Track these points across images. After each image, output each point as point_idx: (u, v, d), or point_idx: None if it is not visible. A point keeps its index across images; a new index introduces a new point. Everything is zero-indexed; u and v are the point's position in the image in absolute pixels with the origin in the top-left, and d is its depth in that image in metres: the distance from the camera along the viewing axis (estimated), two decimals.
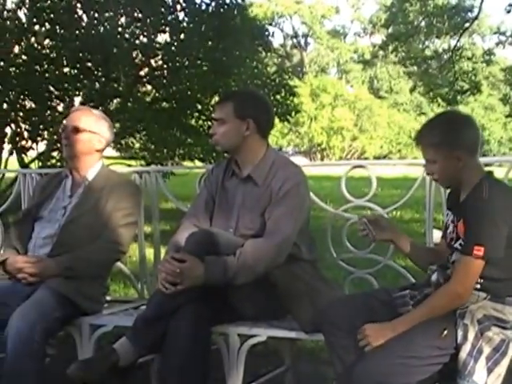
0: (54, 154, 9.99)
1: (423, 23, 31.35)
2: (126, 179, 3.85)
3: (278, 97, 11.23)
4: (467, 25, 27.72)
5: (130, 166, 9.21)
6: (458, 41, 26.69)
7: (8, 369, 3.03)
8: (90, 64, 9.72)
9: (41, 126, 9.80)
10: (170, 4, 10.49)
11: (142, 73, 10.65)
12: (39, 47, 9.74)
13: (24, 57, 9.66)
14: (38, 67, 9.59)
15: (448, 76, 26.75)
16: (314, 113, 42.96)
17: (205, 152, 10.22)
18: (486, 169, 2.83)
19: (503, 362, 2.54)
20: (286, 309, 3.12)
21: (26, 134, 9.91)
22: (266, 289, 3.03)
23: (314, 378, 3.98)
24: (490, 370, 2.52)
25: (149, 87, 11.29)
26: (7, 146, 10.41)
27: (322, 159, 43.41)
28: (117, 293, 5.46)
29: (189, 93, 10.27)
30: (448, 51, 29.10)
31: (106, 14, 10.01)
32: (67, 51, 9.35)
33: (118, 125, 9.71)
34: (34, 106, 9.88)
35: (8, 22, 9.80)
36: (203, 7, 10.80)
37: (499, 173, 3.03)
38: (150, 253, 4.19)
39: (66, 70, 9.86)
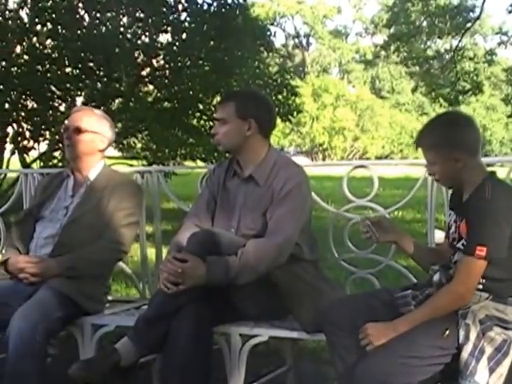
0: (56, 153, 10.00)
1: (425, 23, 31.29)
2: (127, 179, 3.84)
3: (280, 97, 11.24)
4: (469, 25, 27.70)
5: (131, 165, 9.21)
6: (460, 41, 26.66)
7: (10, 369, 3.03)
8: (91, 64, 9.73)
9: (43, 126, 9.82)
10: (172, 4, 10.50)
11: (143, 73, 10.66)
12: (41, 47, 9.76)
13: (26, 57, 9.68)
14: (39, 67, 9.60)
15: (450, 76, 26.72)
16: (315, 113, 43.01)
17: (206, 152, 10.22)
18: (489, 169, 2.82)
19: (505, 362, 2.54)
20: (287, 309, 3.12)
21: (27, 134, 9.92)
22: (268, 289, 3.03)
23: (316, 378, 3.98)
24: (491, 370, 2.52)
25: (151, 87, 11.30)
26: (9, 146, 10.42)
27: (323, 159, 43.45)
28: (118, 293, 5.46)
29: (191, 93, 10.28)
30: (450, 51, 29.11)
31: (108, 14, 10.03)
32: (69, 51, 9.37)
33: (119, 125, 9.73)
34: (35, 105, 9.90)
35: (10, 22, 9.81)
36: (205, 7, 10.82)
37: (501, 173, 3.02)
38: (151, 253, 4.18)
39: (68, 69, 9.87)
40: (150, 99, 10.93)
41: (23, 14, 10.06)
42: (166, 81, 10.72)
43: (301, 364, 3.91)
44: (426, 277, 2.96)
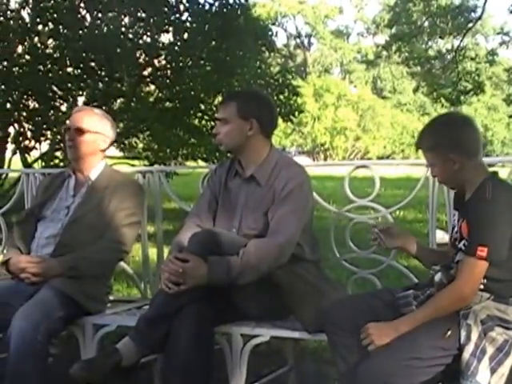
0: (58, 153, 10.01)
1: (426, 23, 31.27)
2: (129, 179, 3.84)
3: (282, 97, 11.24)
4: (470, 25, 27.66)
5: (133, 165, 9.23)
6: (462, 41, 26.62)
7: (11, 369, 3.03)
8: (93, 64, 9.74)
9: (44, 126, 9.82)
10: (174, 4, 10.49)
11: (145, 73, 10.67)
12: (42, 47, 9.77)
13: (27, 57, 9.68)
14: (41, 67, 9.61)
15: (451, 76, 26.68)
16: (317, 113, 43.02)
17: (208, 152, 10.22)
18: (491, 169, 2.82)
19: (506, 362, 2.54)
20: (289, 309, 3.12)
21: (29, 134, 9.93)
22: (269, 289, 3.03)
23: (317, 378, 3.99)
24: (493, 370, 2.52)
25: (152, 87, 11.30)
26: (10, 146, 10.43)
27: (325, 159, 43.47)
28: (120, 292, 5.46)
29: (192, 93, 10.27)
30: (451, 51, 29.03)
31: (110, 14, 10.04)
32: (70, 51, 9.37)
33: (121, 125, 9.73)
34: (37, 105, 9.90)
35: (11, 22, 9.81)
36: (206, 7, 10.83)
37: (502, 173, 3.02)
38: (153, 253, 4.18)
39: (70, 69, 9.88)
40: (151, 99, 10.93)
41: (25, 13, 10.07)
42: (168, 81, 10.73)
43: (302, 364, 3.91)
44: (427, 277, 2.96)
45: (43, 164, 10.04)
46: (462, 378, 2.52)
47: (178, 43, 10.39)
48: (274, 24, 49.81)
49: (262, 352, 3.67)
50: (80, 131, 3.58)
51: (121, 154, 11.82)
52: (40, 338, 3.06)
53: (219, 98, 10.26)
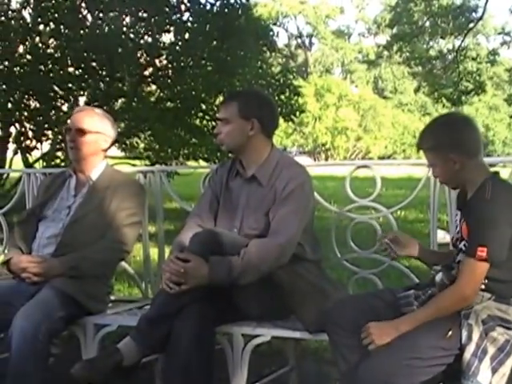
0: (59, 153, 10.03)
1: (428, 23, 31.30)
2: (130, 179, 3.84)
3: (283, 97, 11.25)
4: (472, 25, 27.68)
5: (134, 165, 9.23)
6: (463, 41, 26.63)
7: (12, 368, 3.03)
8: (94, 64, 9.75)
9: (45, 126, 9.84)
10: (175, 4, 10.51)
11: (146, 72, 10.68)
12: (44, 47, 9.78)
13: (28, 56, 9.70)
14: (42, 67, 9.63)
15: (452, 76, 26.69)
16: (318, 113, 42.97)
17: (209, 152, 10.24)
18: (492, 169, 2.82)
19: (508, 362, 2.54)
20: (290, 309, 3.12)
21: (30, 134, 9.95)
22: (271, 289, 3.03)
23: (318, 378, 3.98)
24: (494, 370, 2.51)
25: (153, 87, 11.32)
26: (12, 146, 10.44)
27: (326, 159, 43.42)
28: (121, 292, 5.47)
29: (193, 93, 10.29)
30: (452, 51, 29.07)
31: (111, 14, 10.05)
32: (72, 51, 9.38)
33: (122, 125, 9.75)
34: (38, 105, 9.91)
35: (13, 22, 9.84)
36: (208, 7, 10.85)
37: (503, 173, 3.02)
38: (154, 252, 4.19)
39: (71, 69, 9.89)
40: (152, 99, 10.95)
41: (26, 13, 10.10)
42: (169, 81, 10.74)
43: (303, 364, 3.91)
44: (428, 277, 2.96)
45: (44, 164, 10.06)
46: (463, 378, 2.52)
47: (179, 43, 10.41)
48: (275, 24, 49.75)
49: (263, 352, 3.67)
50: (81, 132, 3.57)
51: (122, 154, 11.84)
52: (41, 337, 3.06)
53: (220, 98, 10.28)
